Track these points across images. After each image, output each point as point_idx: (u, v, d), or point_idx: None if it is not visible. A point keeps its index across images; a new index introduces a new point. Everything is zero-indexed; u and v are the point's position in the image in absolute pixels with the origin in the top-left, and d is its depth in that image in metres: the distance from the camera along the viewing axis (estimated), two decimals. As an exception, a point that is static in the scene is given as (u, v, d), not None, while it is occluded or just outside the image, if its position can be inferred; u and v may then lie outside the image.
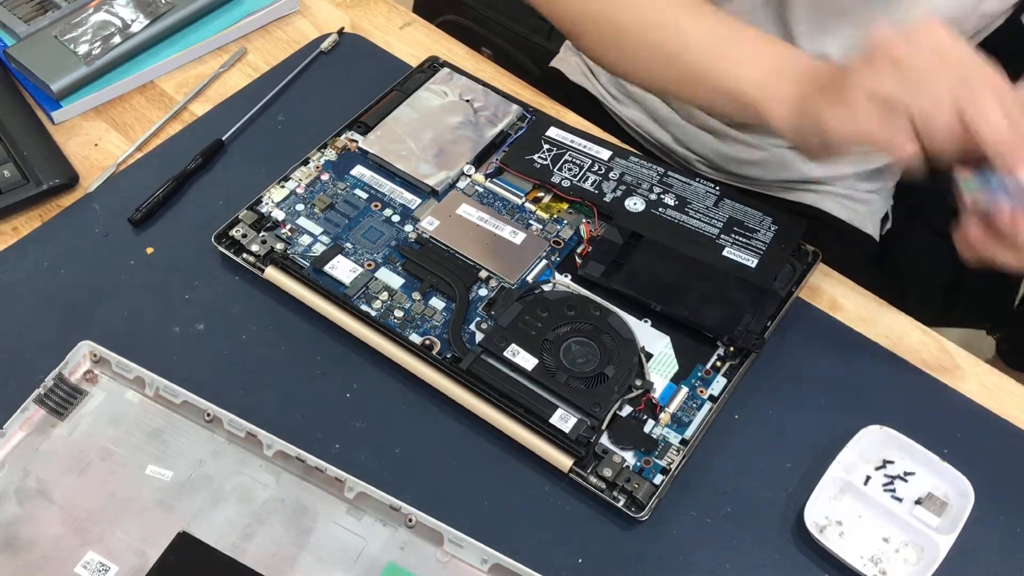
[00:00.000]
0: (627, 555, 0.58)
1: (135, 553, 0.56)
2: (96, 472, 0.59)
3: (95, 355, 0.62)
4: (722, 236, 0.68)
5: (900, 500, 0.60)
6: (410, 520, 0.57)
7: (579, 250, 0.69)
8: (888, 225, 0.98)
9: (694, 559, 0.58)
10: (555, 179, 0.71)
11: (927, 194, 0.99)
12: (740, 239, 0.68)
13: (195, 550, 0.56)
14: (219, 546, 0.56)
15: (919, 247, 1.00)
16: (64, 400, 0.61)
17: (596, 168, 0.72)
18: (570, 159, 0.73)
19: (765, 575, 0.58)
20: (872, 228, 0.95)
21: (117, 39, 0.80)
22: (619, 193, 0.71)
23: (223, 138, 0.76)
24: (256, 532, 0.57)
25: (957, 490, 0.60)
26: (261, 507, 0.58)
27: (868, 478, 0.60)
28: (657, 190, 0.71)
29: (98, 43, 0.79)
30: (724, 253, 0.67)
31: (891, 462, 0.61)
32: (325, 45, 0.84)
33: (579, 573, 0.57)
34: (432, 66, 0.81)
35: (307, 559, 0.56)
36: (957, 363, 0.67)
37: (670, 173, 0.72)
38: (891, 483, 0.60)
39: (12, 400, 0.60)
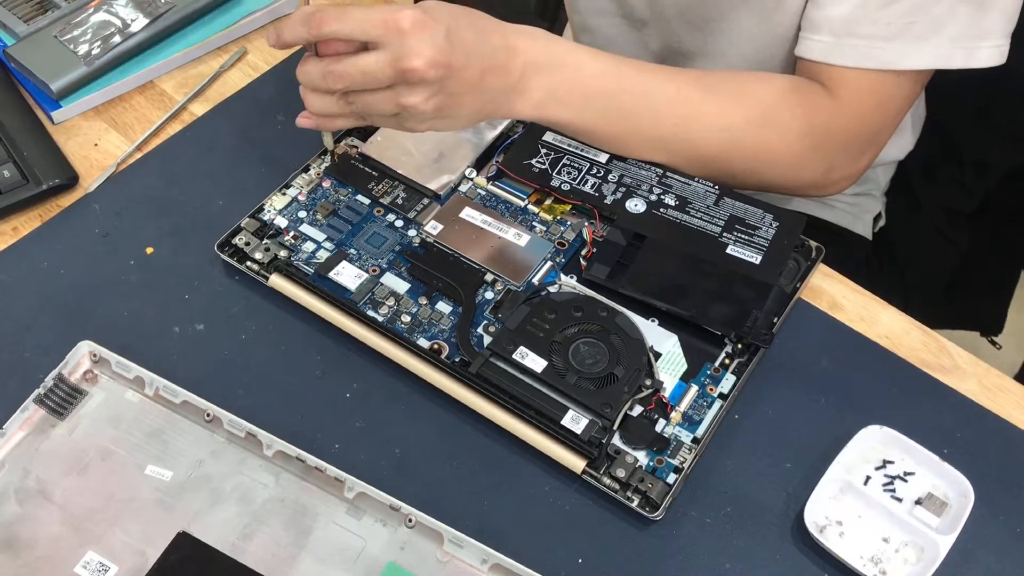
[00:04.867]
0: (627, 555, 0.58)
1: (135, 553, 0.56)
2: (96, 472, 0.59)
3: (95, 355, 0.62)
4: (724, 234, 0.68)
5: (900, 500, 0.60)
6: (410, 520, 0.57)
7: (583, 253, 0.69)
8: (881, 223, 0.98)
9: (694, 559, 0.58)
10: (555, 183, 0.71)
11: (926, 193, 0.99)
12: (742, 236, 0.68)
13: (195, 550, 0.56)
14: (219, 546, 0.56)
15: (919, 246, 1.00)
16: (64, 400, 0.61)
17: (595, 171, 0.72)
18: (568, 162, 0.73)
19: (765, 575, 0.58)
20: (863, 228, 0.95)
21: (117, 39, 0.80)
22: (619, 195, 0.71)
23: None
24: (256, 532, 0.57)
25: (957, 490, 0.60)
26: (261, 507, 0.58)
27: (868, 478, 0.60)
28: (657, 191, 0.71)
29: (98, 43, 0.79)
30: (728, 251, 0.67)
31: (891, 462, 0.61)
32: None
33: (579, 573, 0.57)
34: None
35: (307, 559, 0.56)
36: (957, 363, 0.67)
37: (668, 173, 0.72)
38: (891, 483, 0.60)
39: (12, 400, 0.60)
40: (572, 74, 0.68)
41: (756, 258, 0.67)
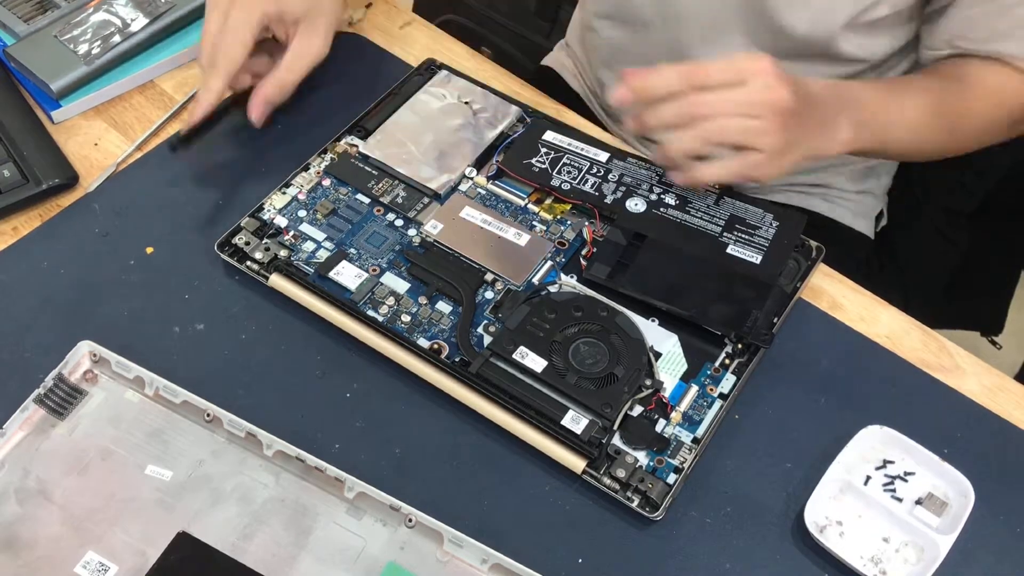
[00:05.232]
0: (627, 555, 0.58)
1: (135, 553, 0.56)
2: (96, 472, 0.59)
3: (95, 355, 0.62)
4: (725, 234, 0.68)
5: (900, 500, 0.60)
6: (410, 520, 0.57)
7: (583, 252, 0.69)
8: (883, 222, 0.98)
9: (694, 559, 0.58)
10: (555, 182, 0.71)
11: (927, 193, 0.99)
12: (743, 236, 0.68)
13: (195, 550, 0.56)
14: (219, 546, 0.56)
15: (919, 245, 1.00)
16: (64, 400, 0.61)
17: (595, 170, 0.72)
18: (568, 162, 0.73)
19: (765, 575, 0.58)
20: (865, 227, 0.95)
21: (117, 38, 0.80)
22: (619, 194, 0.71)
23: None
24: (256, 532, 0.57)
25: (957, 490, 0.60)
26: (261, 507, 0.58)
27: (868, 478, 0.60)
28: (657, 190, 0.71)
29: (98, 43, 0.79)
30: (728, 251, 0.67)
31: (891, 462, 0.61)
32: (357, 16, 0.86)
33: (579, 573, 0.57)
34: (430, 68, 0.81)
35: (307, 559, 0.56)
36: (957, 363, 0.67)
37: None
38: (891, 483, 0.60)
39: (12, 400, 0.60)
40: (860, 105, 0.71)
41: (756, 258, 0.67)
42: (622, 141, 0.79)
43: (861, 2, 0.75)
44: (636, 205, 0.70)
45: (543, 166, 0.73)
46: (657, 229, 0.69)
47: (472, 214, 0.71)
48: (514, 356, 0.62)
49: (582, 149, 0.74)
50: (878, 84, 0.77)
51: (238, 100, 0.78)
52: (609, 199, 0.71)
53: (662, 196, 0.71)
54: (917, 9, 0.78)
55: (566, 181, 0.72)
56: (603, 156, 0.73)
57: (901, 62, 0.84)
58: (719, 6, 0.79)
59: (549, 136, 0.75)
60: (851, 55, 0.79)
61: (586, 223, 0.71)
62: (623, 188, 0.71)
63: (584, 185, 0.71)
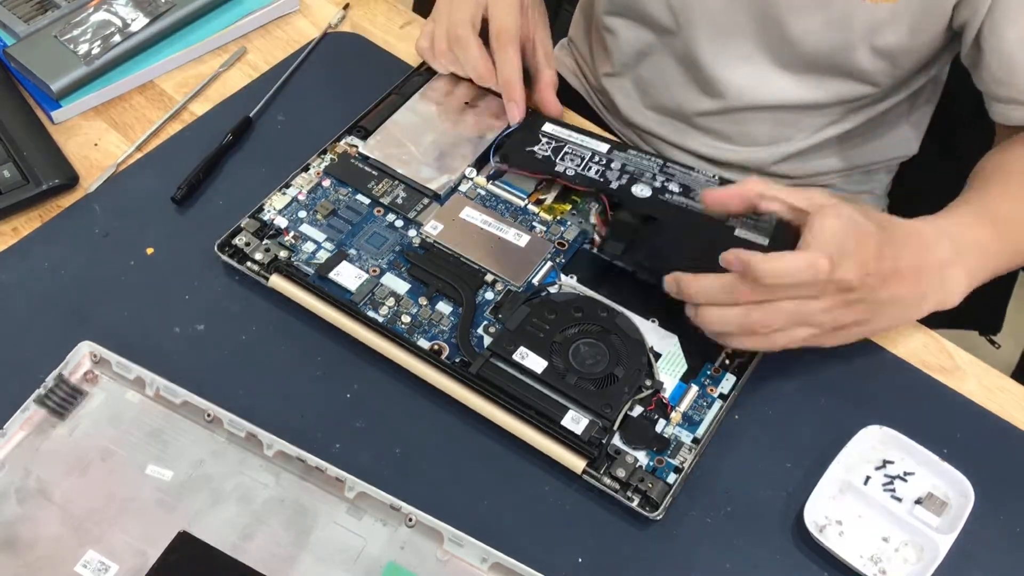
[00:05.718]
0: (627, 555, 0.58)
1: (135, 553, 0.56)
2: (96, 472, 0.59)
3: (95, 355, 0.62)
4: (731, 218, 0.68)
5: (900, 500, 0.60)
6: (410, 520, 0.57)
7: (593, 234, 0.70)
8: None
9: (694, 559, 0.58)
10: (559, 169, 0.71)
11: (927, 193, 0.99)
12: (749, 219, 0.67)
13: (195, 550, 0.56)
14: (219, 546, 0.56)
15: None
16: (64, 400, 0.61)
17: (597, 159, 0.72)
18: (570, 151, 0.73)
19: (765, 575, 0.58)
20: None
21: (117, 39, 0.80)
22: (624, 181, 0.71)
23: (250, 115, 0.77)
24: (256, 532, 0.57)
25: (957, 490, 0.60)
26: (261, 507, 0.58)
27: (868, 478, 0.60)
28: (660, 178, 0.71)
29: (98, 43, 0.79)
30: (736, 233, 0.67)
31: (891, 462, 0.61)
32: (333, 20, 0.86)
33: (579, 573, 0.57)
34: (430, 68, 0.81)
35: (307, 559, 0.56)
36: (957, 363, 0.67)
37: (669, 163, 0.72)
38: (891, 483, 0.60)
39: (12, 400, 0.60)
40: (980, 250, 0.67)
41: (764, 240, 0.66)
42: (623, 141, 0.78)
43: (873, 17, 0.73)
44: (642, 191, 0.70)
45: (546, 154, 0.72)
46: (664, 213, 0.68)
47: (472, 215, 0.71)
48: (514, 357, 0.62)
49: (582, 140, 0.74)
50: (989, 213, 0.68)
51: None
52: (614, 185, 0.70)
53: (666, 184, 0.70)
54: (943, 36, 0.75)
55: (571, 168, 0.71)
56: (603, 147, 0.73)
57: (925, 81, 0.83)
58: (730, 9, 0.78)
59: (548, 128, 0.75)
60: (872, 75, 0.78)
61: (593, 209, 0.71)
62: (627, 175, 0.71)
63: (588, 172, 0.71)
